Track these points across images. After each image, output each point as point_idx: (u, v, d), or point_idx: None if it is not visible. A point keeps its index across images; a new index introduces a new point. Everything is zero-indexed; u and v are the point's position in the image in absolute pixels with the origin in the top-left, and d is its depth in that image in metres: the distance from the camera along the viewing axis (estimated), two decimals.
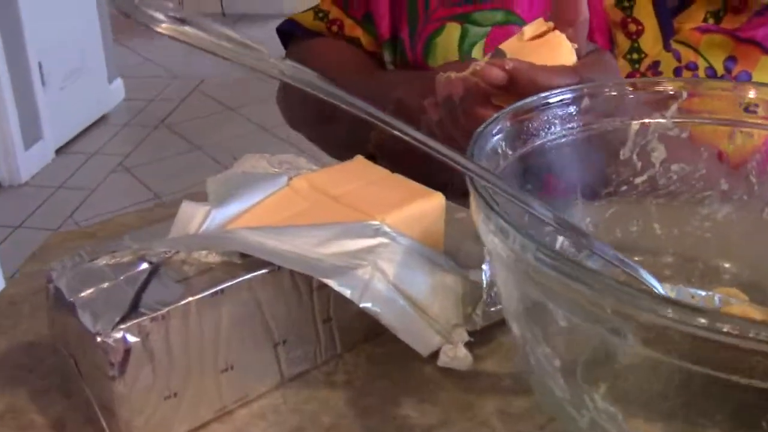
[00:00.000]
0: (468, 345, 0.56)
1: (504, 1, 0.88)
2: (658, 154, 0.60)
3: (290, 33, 1.06)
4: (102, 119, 4.16)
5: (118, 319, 0.48)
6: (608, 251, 0.49)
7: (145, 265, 0.53)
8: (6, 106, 3.40)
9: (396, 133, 0.46)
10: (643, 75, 0.85)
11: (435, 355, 0.56)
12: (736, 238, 0.61)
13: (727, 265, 0.61)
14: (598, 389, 0.47)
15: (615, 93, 0.58)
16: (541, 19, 0.66)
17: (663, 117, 0.59)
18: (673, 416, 0.45)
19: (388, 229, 0.56)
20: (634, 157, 0.60)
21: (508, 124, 0.52)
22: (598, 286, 0.37)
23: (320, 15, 1.03)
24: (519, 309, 0.45)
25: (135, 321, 0.48)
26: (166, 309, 0.49)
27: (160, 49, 5.15)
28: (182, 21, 0.42)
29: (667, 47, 0.84)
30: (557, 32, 0.66)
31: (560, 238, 0.57)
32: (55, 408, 0.55)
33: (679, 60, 0.83)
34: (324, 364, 0.58)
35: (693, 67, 0.83)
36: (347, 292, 0.52)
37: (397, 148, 0.70)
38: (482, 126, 0.51)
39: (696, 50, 0.83)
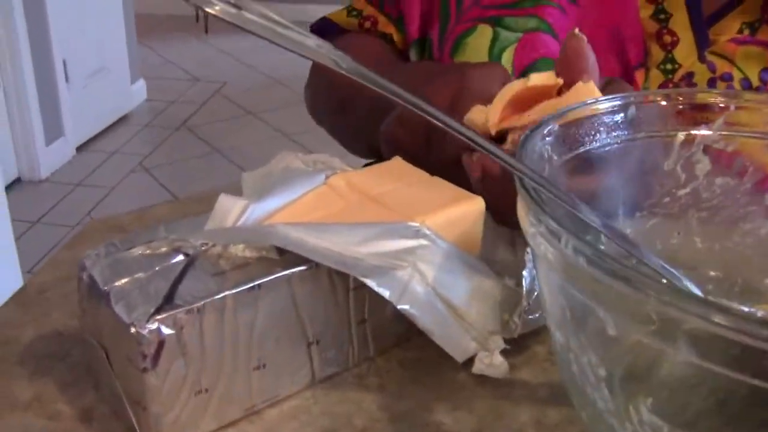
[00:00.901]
0: (504, 353, 0.55)
1: (537, 9, 0.87)
2: (703, 166, 0.59)
3: (323, 31, 1.06)
4: (123, 119, 4.17)
5: (153, 310, 0.47)
6: (655, 260, 0.48)
7: (180, 257, 0.52)
8: (29, 101, 3.42)
9: (444, 127, 0.45)
10: (676, 85, 0.84)
11: (468, 362, 0.55)
12: None
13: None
14: (645, 401, 0.46)
15: (662, 103, 0.57)
16: (552, 73, 0.64)
17: (709, 129, 0.58)
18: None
19: (428, 231, 0.55)
20: (678, 168, 0.59)
21: (556, 128, 0.51)
22: (653, 290, 0.36)
23: (354, 12, 1.03)
24: (565, 316, 0.44)
25: (170, 313, 0.47)
26: (202, 302, 0.48)
27: (183, 52, 5.17)
28: (237, 5, 0.41)
29: (701, 58, 0.83)
30: (586, 82, 0.63)
31: (603, 246, 0.56)
32: (83, 400, 0.54)
33: (713, 71, 0.83)
34: (355, 367, 0.57)
35: (728, 78, 0.82)
36: (386, 293, 0.52)
37: (407, 145, 0.71)
38: (529, 129, 0.50)
39: (731, 61, 0.82)
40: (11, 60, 3.34)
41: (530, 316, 0.56)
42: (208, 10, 0.41)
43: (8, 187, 3.19)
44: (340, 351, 0.56)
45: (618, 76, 0.85)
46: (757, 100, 0.60)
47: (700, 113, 0.58)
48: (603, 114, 0.55)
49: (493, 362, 0.55)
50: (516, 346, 0.57)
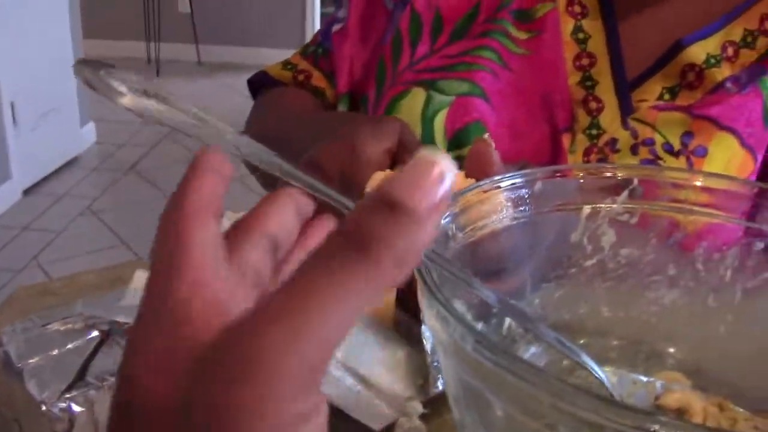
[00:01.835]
0: (421, 418, 0.57)
1: (469, 73, 0.90)
2: (608, 238, 0.61)
3: (260, 84, 1.09)
4: (72, 162, 4.15)
5: (63, 387, 0.48)
6: (550, 334, 0.50)
7: (95, 333, 0.53)
8: None
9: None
10: (601, 150, 0.87)
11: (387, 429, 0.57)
12: (682, 324, 0.62)
13: (671, 350, 0.62)
14: None
15: (567, 178, 0.60)
16: (462, 174, 0.67)
17: (614, 202, 0.60)
18: None
19: None
20: (585, 240, 0.61)
21: (459, 207, 0.53)
22: (534, 380, 0.38)
23: (288, 66, 1.07)
24: (459, 393, 0.46)
25: (81, 390, 0.48)
26: (112, 379, 0.49)
27: None
28: (145, 93, 0.42)
29: (625, 125, 0.86)
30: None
31: (507, 320, 0.58)
32: None
33: (635, 137, 0.86)
34: None
35: (650, 143, 0.85)
36: None
37: None
38: None
39: (653, 127, 0.85)
40: None
41: (440, 376, 0.58)
42: (118, 101, 0.43)
43: None
44: None
45: (547, 139, 0.88)
46: (659, 174, 0.62)
47: (605, 187, 0.61)
48: (508, 189, 0.57)
49: (412, 426, 0.56)
50: (430, 417, 0.58)
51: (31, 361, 0.51)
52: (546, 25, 0.90)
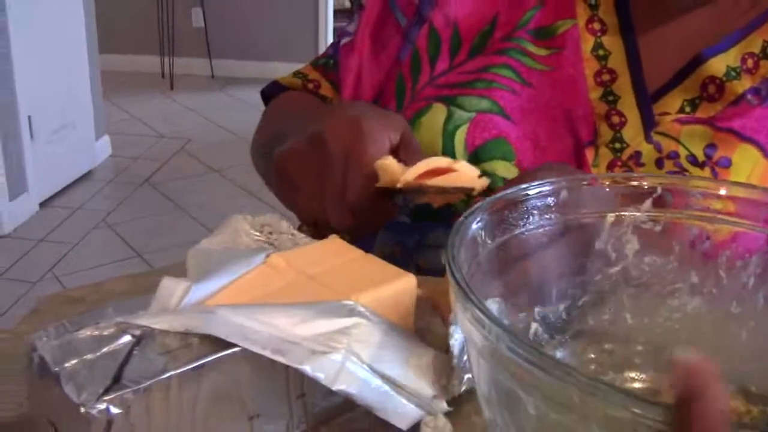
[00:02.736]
0: (448, 415, 0.58)
1: (489, 90, 0.91)
2: (632, 246, 0.62)
3: (271, 92, 1.11)
4: (87, 175, 4.18)
5: (101, 390, 0.49)
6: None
7: (127, 338, 0.54)
8: None
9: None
10: (625, 164, 0.87)
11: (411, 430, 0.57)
12: (705, 330, 0.63)
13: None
14: None
15: (592, 186, 0.60)
16: (476, 173, 0.74)
17: (637, 210, 0.61)
18: None
19: (362, 309, 0.57)
20: (609, 248, 0.62)
21: (487, 214, 0.54)
22: (568, 378, 0.39)
23: (299, 75, 1.09)
24: (491, 393, 0.47)
25: (118, 393, 0.49)
26: (148, 382, 0.50)
27: (148, 108, 5.19)
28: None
29: (648, 139, 0.87)
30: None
31: (534, 325, 0.59)
32: None
33: (660, 151, 0.86)
34: None
35: (674, 156, 0.86)
36: (321, 377, 0.54)
37: (297, 178, 0.78)
38: (463, 216, 0.53)
39: (677, 140, 0.86)
40: None
41: (465, 376, 0.59)
42: None
43: None
44: (279, 425, 0.58)
45: (570, 153, 0.89)
46: (683, 183, 0.63)
47: (630, 195, 0.62)
48: (535, 198, 0.58)
49: (437, 425, 0.57)
50: (455, 416, 0.59)
51: (67, 365, 0.51)
52: (566, 42, 0.91)
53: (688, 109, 0.88)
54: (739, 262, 0.62)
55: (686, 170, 0.85)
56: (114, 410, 0.49)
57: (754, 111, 0.85)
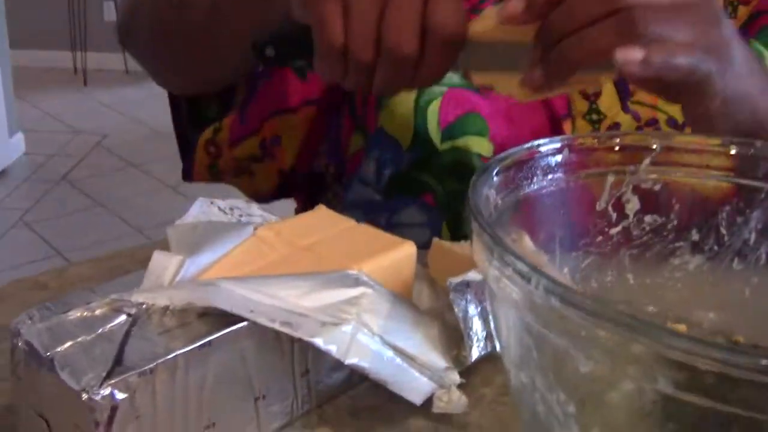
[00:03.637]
0: (460, 387, 0.55)
1: None
2: (632, 205, 0.60)
3: None
4: (2, 173, 4.05)
5: (104, 374, 0.45)
6: None
7: (123, 317, 0.50)
8: None
9: None
10: None
11: (418, 408, 0.55)
12: (708, 288, 0.62)
13: (700, 314, 0.62)
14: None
15: (593, 145, 0.59)
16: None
17: (636, 169, 0.60)
18: None
19: (367, 278, 0.54)
20: (609, 208, 0.60)
21: (497, 174, 0.52)
22: (629, 325, 0.37)
23: None
24: (527, 354, 0.44)
25: (122, 377, 0.46)
26: (154, 363, 0.47)
27: (62, 105, 5.06)
28: None
29: (625, 109, 0.85)
30: None
31: None
32: None
33: (638, 120, 0.85)
34: (303, 417, 0.56)
35: (653, 123, 0.85)
36: (333, 349, 0.51)
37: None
38: (476, 175, 0.50)
39: (654, 107, 0.85)
40: None
41: (476, 345, 0.57)
42: None
43: None
44: (285, 404, 0.55)
45: (546, 127, 0.87)
46: (680, 140, 0.62)
47: (629, 154, 0.60)
48: (540, 157, 0.56)
49: (451, 398, 0.55)
50: (465, 388, 0.57)
51: (59, 349, 0.47)
52: None
53: None
54: (740, 218, 0.61)
55: None
56: (119, 395, 0.46)
57: None
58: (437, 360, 0.55)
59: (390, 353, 0.53)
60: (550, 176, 0.57)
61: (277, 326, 0.50)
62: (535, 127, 0.87)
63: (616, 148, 0.60)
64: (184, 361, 0.48)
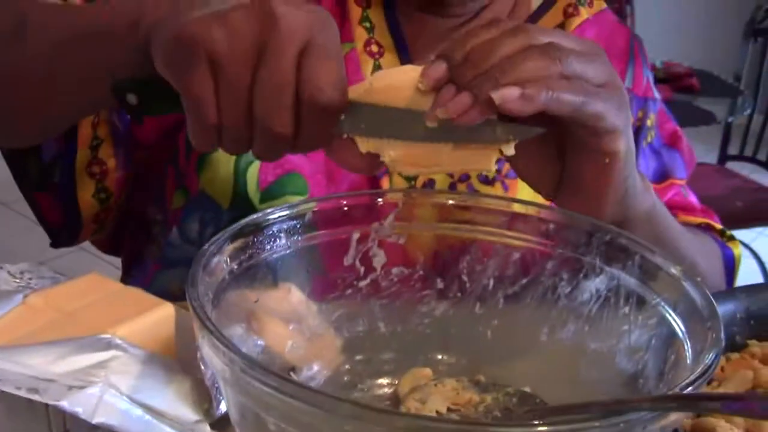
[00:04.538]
0: None
1: None
2: (379, 259, 0.66)
3: None
4: None
5: None
6: None
7: None
8: None
9: None
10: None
11: None
12: (453, 331, 0.67)
13: (445, 357, 0.67)
14: None
15: (335, 207, 0.64)
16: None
17: (381, 225, 0.65)
18: None
19: (119, 341, 0.58)
20: (357, 263, 0.65)
21: (230, 242, 0.56)
22: (298, 395, 0.42)
23: None
24: (238, 416, 0.49)
25: None
26: None
27: None
28: None
29: None
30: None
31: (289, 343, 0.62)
32: None
33: (452, 176, 0.89)
34: None
35: (465, 178, 0.89)
36: (79, 411, 0.54)
37: (223, 54, 0.57)
38: (206, 245, 0.55)
39: None
40: None
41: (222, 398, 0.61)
42: None
43: None
44: None
45: (365, 184, 0.88)
46: (421, 196, 0.67)
47: (374, 211, 0.65)
48: (279, 221, 0.60)
49: None
50: None
51: None
52: (347, 65, 0.89)
53: None
54: (479, 266, 0.67)
55: (478, 191, 0.89)
56: None
57: None
58: (188, 414, 0.59)
59: (139, 411, 0.57)
60: (293, 237, 0.61)
61: (23, 393, 0.53)
62: (353, 184, 0.88)
63: (361, 207, 0.65)
64: None
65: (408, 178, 0.88)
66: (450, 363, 0.67)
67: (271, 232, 0.60)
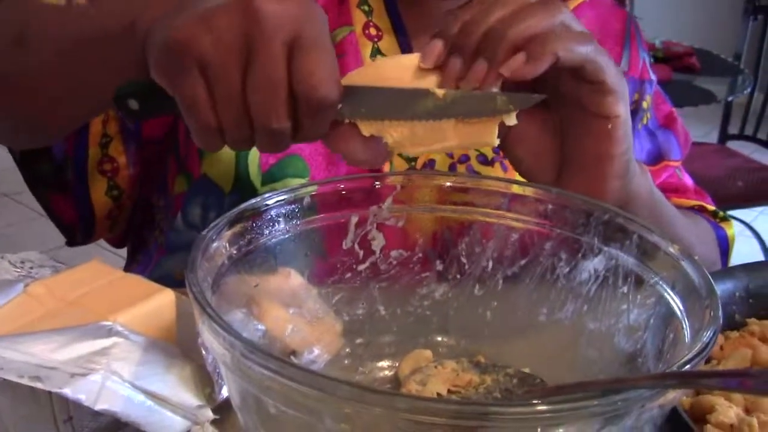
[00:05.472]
0: (214, 423, 0.59)
1: None
2: (378, 242, 0.66)
3: None
4: None
5: None
6: None
7: None
8: None
9: None
10: (420, 173, 0.87)
11: None
12: (453, 313, 0.68)
13: (445, 339, 0.68)
14: None
15: (334, 190, 0.64)
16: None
17: (380, 208, 0.65)
18: None
19: (120, 328, 0.58)
20: (356, 246, 0.65)
21: (229, 227, 0.57)
22: (298, 378, 0.42)
23: None
24: (239, 399, 0.49)
25: None
26: None
27: None
28: None
29: None
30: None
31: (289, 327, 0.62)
32: None
33: (452, 157, 0.89)
34: None
35: (465, 159, 0.89)
36: (82, 398, 0.55)
37: (210, 55, 0.57)
38: (205, 230, 0.55)
39: None
40: None
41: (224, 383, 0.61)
42: None
43: None
44: None
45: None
46: (419, 179, 0.67)
47: (372, 195, 0.65)
48: (277, 206, 0.61)
49: None
50: (222, 423, 0.61)
51: None
52: (346, 48, 0.89)
53: None
54: (478, 248, 0.67)
55: (478, 172, 0.89)
56: None
57: None
58: (190, 399, 0.60)
59: (141, 397, 0.57)
60: (292, 222, 0.62)
61: (26, 381, 0.54)
62: (354, 167, 0.89)
63: (358, 190, 0.65)
64: None
65: (408, 159, 0.89)
66: (450, 345, 0.67)
67: (269, 216, 0.60)
